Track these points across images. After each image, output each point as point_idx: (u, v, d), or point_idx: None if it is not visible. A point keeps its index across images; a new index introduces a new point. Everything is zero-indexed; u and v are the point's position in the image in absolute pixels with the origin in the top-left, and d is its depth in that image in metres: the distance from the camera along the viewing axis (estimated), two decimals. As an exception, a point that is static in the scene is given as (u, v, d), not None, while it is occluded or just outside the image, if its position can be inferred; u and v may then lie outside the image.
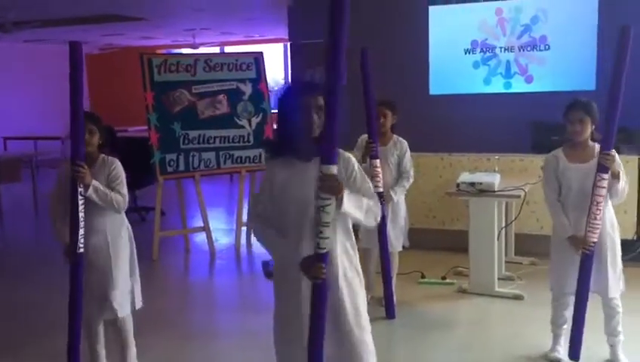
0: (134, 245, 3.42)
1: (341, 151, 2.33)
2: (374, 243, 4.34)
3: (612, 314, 3.51)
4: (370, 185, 2.45)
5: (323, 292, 2.27)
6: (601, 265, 3.42)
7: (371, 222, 2.40)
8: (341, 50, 2.15)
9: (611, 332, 3.55)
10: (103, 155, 3.27)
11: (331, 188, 2.19)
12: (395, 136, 4.53)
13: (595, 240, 3.31)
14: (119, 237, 3.31)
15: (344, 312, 2.36)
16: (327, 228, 2.21)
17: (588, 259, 3.34)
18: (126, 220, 3.40)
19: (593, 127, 3.40)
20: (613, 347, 3.56)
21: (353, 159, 2.42)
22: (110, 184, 3.21)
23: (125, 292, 3.31)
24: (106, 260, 3.23)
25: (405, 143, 4.53)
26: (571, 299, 3.52)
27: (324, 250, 2.23)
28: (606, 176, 3.26)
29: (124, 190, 3.25)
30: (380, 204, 2.45)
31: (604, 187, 3.27)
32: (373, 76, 4.19)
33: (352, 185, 2.36)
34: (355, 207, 2.30)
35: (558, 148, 3.54)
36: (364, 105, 4.21)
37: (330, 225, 2.22)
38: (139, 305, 3.43)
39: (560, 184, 3.48)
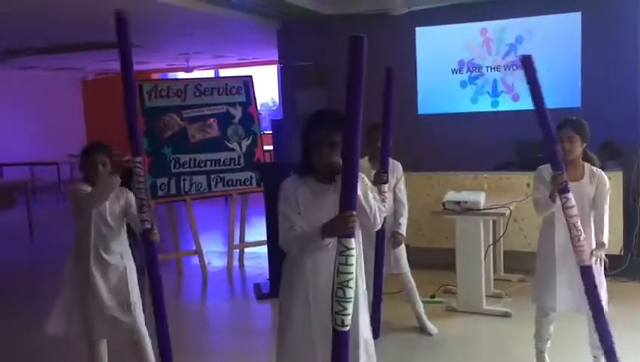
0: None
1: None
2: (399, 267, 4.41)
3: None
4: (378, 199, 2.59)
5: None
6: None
7: (375, 219, 2.47)
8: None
9: (596, 346, 3.49)
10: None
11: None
12: (390, 159, 4.32)
13: (588, 263, 3.16)
14: (130, 260, 3.64)
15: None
16: (350, 303, 2.18)
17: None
18: None
19: (584, 145, 3.38)
20: (596, 358, 3.55)
21: (365, 178, 2.53)
22: (128, 210, 3.48)
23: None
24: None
25: (400, 168, 4.42)
26: (554, 316, 3.57)
27: (347, 328, 2.19)
28: (570, 195, 3.15)
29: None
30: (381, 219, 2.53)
31: (572, 206, 3.15)
32: (378, 98, 3.96)
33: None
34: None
35: (548, 164, 3.38)
36: (382, 126, 4.03)
37: (352, 300, 2.20)
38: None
39: None
